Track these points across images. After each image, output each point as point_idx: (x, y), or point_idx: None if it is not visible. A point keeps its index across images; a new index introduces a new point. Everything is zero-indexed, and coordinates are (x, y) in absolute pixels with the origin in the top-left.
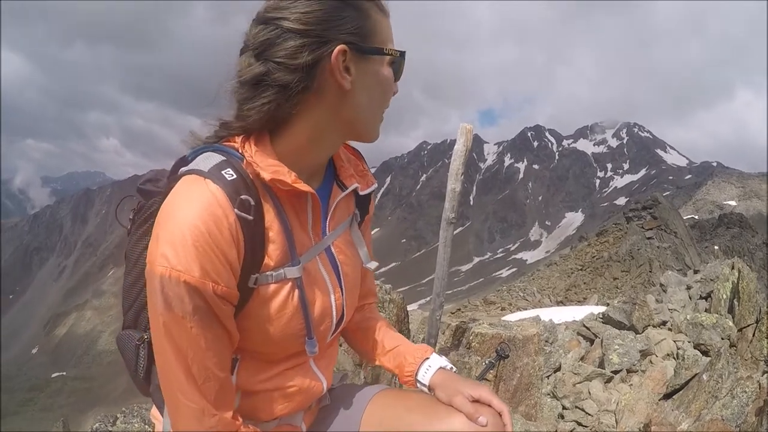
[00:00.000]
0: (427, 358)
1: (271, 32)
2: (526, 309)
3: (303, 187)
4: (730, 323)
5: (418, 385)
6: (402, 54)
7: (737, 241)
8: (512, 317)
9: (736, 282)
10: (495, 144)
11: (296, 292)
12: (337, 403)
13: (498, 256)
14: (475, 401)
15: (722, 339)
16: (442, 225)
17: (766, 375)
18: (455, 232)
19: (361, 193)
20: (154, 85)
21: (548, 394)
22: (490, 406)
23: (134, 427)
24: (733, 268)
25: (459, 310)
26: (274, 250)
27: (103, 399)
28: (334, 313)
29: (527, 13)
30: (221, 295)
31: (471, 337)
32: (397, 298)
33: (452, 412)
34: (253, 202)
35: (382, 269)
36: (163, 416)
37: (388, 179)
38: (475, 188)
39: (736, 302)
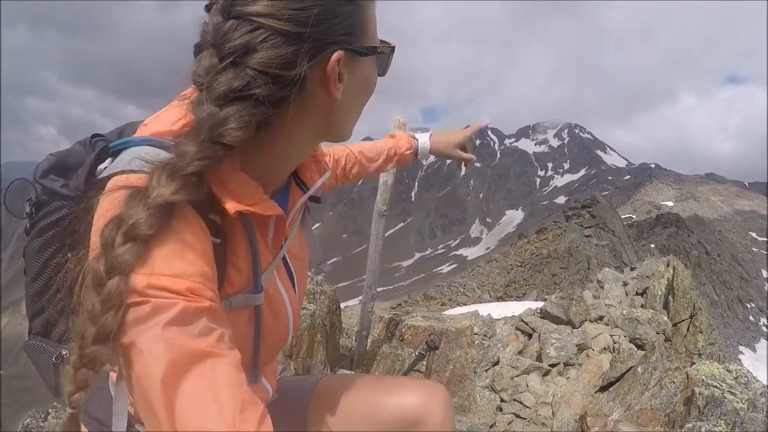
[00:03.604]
0: (414, 137)
1: (253, 33)
2: (466, 304)
3: (270, 210)
4: (665, 318)
5: (419, 154)
6: (392, 48)
7: (673, 241)
8: (452, 312)
9: (671, 279)
10: None
11: (253, 321)
12: (281, 397)
13: (439, 252)
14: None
15: (657, 333)
16: (374, 217)
17: (694, 366)
18: (397, 228)
19: (318, 183)
20: (95, 73)
21: (487, 388)
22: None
23: None
24: (668, 265)
25: (399, 305)
26: (235, 275)
27: (41, 398)
28: (291, 331)
29: (479, 14)
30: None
31: (404, 330)
32: (329, 290)
33: (405, 385)
34: (220, 222)
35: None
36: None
37: None
38: (416, 184)
39: (671, 298)
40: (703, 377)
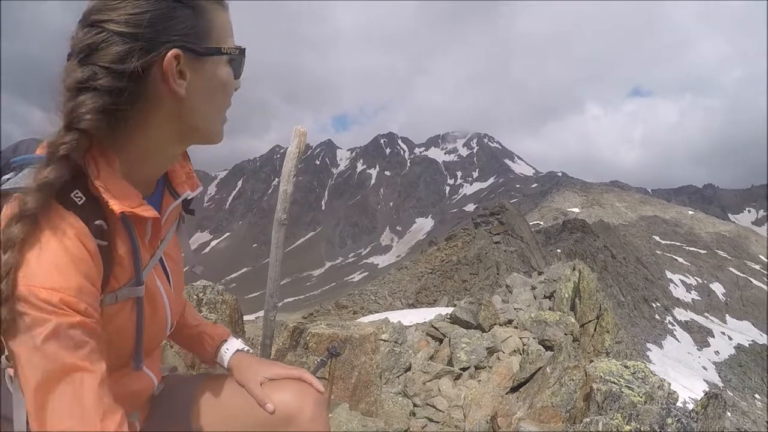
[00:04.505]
0: (225, 340)
1: (97, 35)
2: (377, 312)
3: (148, 213)
4: (573, 320)
5: (218, 365)
6: (242, 51)
7: (580, 245)
8: (364, 320)
9: (578, 282)
10: (348, 150)
11: (135, 311)
12: (168, 393)
13: (350, 260)
14: (283, 379)
15: (565, 334)
16: (274, 226)
17: (592, 364)
18: (307, 237)
19: (189, 198)
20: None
21: (399, 393)
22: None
23: None
24: (574, 269)
25: (311, 314)
26: (120, 271)
27: None
28: (169, 323)
29: (391, 21)
30: (93, 322)
31: (308, 338)
32: (230, 299)
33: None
34: (105, 227)
35: (233, 275)
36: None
37: (240, 183)
38: (327, 193)
39: (577, 300)
40: (601, 374)
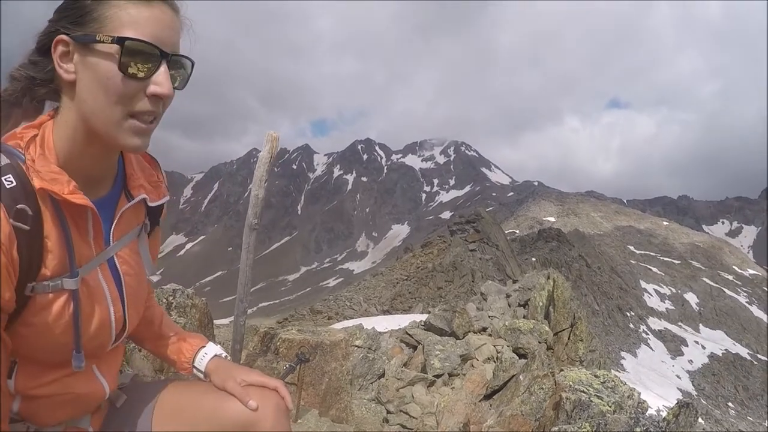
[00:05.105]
0: (203, 347)
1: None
2: (352, 318)
3: (77, 199)
4: (547, 328)
5: (195, 371)
6: (119, 39)
7: (555, 254)
8: (339, 326)
9: (552, 290)
10: (325, 155)
11: (71, 304)
12: (129, 399)
13: (325, 265)
14: (250, 386)
15: (539, 343)
16: (245, 231)
17: (561, 372)
18: (282, 242)
19: (151, 204)
20: None
21: (373, 400)
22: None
23: None
24: (548, 278)
25: (286, 319)
26: (51, 260)
27: None
28: (114, 325)
29: (372, 29)
30: None
31: (278, 343)
32: (200, 303)
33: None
34: (30, 212)
35: (208, 278)
36: None
37: (216, 185)
38: (303, 198)
39: (551, 309)
40: (571, 383)
